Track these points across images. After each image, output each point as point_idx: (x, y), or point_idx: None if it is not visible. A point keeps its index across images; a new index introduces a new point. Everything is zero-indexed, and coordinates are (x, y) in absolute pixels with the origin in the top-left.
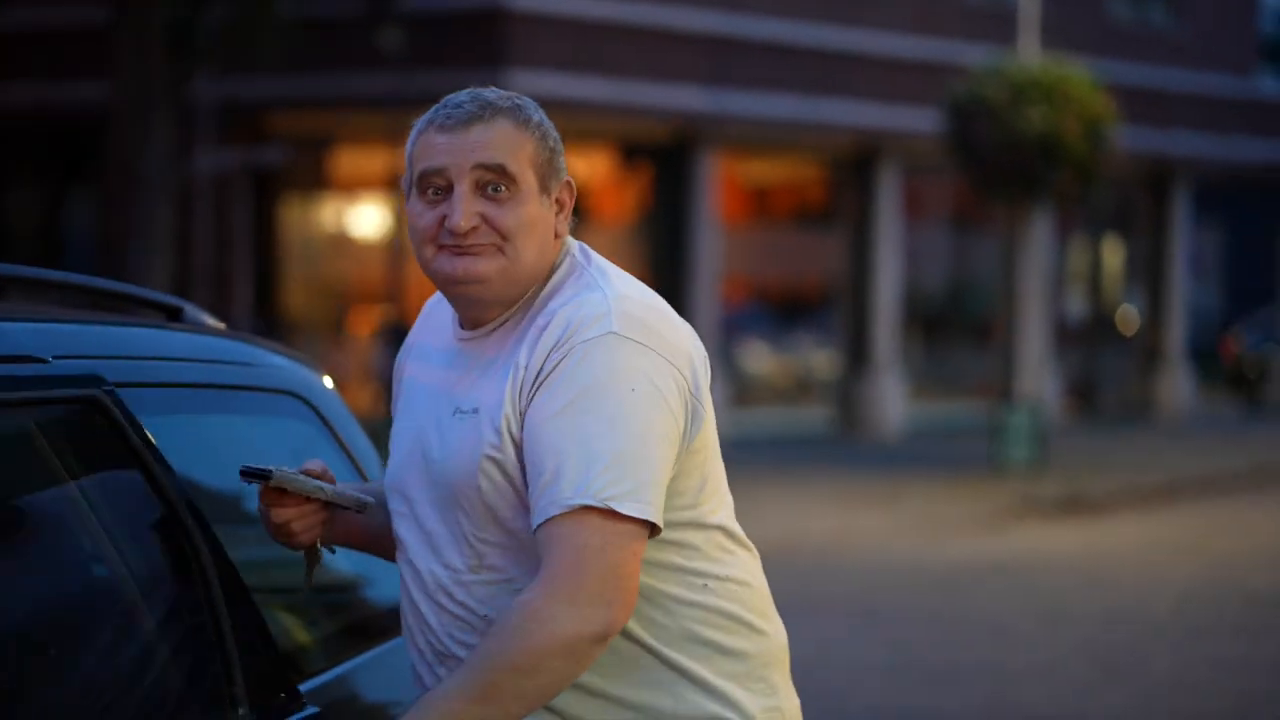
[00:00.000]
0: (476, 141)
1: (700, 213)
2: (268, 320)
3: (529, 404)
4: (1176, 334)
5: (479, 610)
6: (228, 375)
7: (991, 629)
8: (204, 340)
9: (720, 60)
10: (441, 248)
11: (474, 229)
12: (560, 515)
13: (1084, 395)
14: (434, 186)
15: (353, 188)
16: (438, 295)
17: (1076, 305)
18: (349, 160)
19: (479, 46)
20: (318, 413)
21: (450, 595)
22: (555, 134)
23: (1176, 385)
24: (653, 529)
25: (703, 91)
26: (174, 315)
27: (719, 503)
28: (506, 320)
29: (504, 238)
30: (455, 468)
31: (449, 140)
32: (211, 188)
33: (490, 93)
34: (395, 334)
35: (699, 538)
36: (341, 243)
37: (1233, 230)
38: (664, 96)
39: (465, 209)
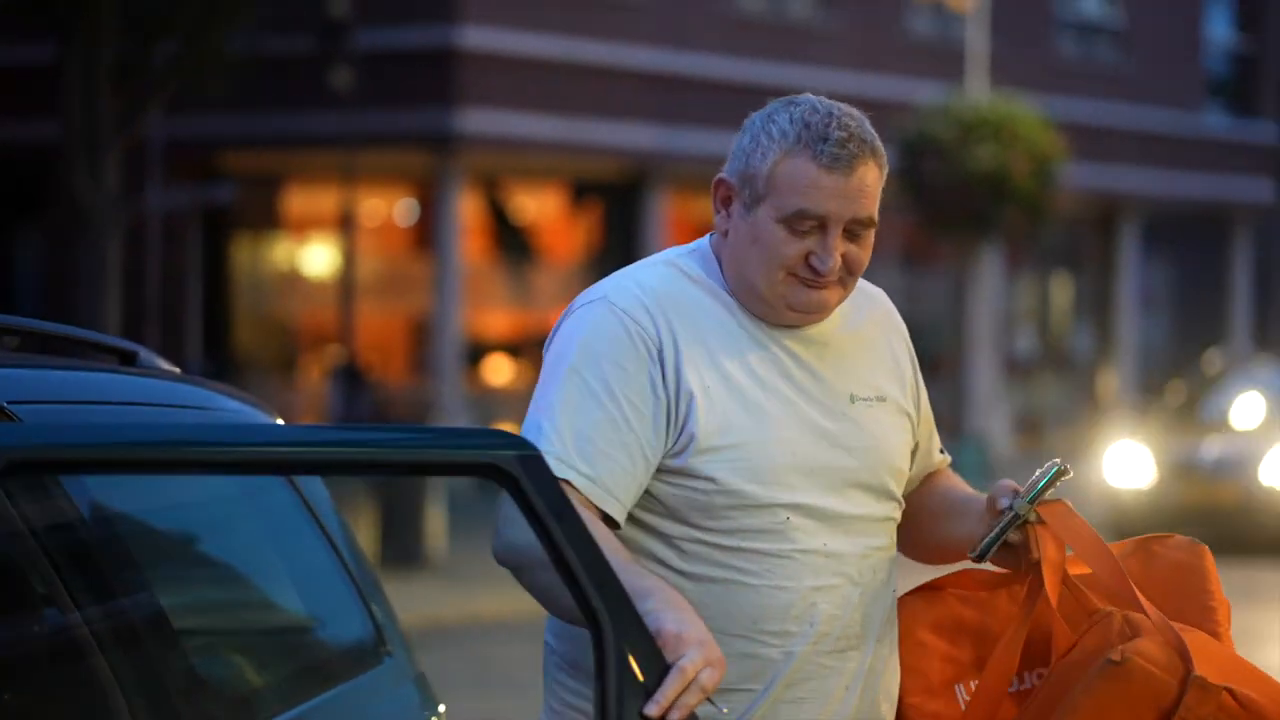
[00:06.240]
0: (857, 191)
1: (651, 249)
2: (218, 360)
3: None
4: (1126, 370)
5: (890, 584)
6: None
7: None
8: (159, 385)
9: (669, 98)
10: (794, 277)
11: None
12: None
13: (1033, 430)
14: (805, 223)
15: (303, 227)
16: (654, 300)
17: (1025, 341)
18: (300, 199)
19: (430, 85)
20: None
21: (876, 574)
22: None
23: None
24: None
25: (652, 129)
26: (128, 359)
27: None
28: None
29: (852, 272)
30: (878, 452)
31: (834, 185)
32: (162, 226)
33: (854, 122)
34: (347, 374)
35: None
36: (292, 282)
37: (1181, 266)
38: (614, 135)
39: (836, 253)
